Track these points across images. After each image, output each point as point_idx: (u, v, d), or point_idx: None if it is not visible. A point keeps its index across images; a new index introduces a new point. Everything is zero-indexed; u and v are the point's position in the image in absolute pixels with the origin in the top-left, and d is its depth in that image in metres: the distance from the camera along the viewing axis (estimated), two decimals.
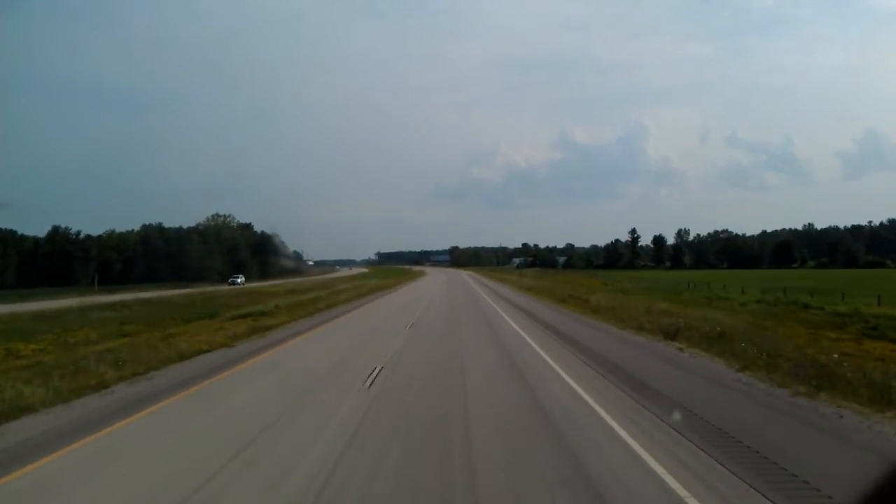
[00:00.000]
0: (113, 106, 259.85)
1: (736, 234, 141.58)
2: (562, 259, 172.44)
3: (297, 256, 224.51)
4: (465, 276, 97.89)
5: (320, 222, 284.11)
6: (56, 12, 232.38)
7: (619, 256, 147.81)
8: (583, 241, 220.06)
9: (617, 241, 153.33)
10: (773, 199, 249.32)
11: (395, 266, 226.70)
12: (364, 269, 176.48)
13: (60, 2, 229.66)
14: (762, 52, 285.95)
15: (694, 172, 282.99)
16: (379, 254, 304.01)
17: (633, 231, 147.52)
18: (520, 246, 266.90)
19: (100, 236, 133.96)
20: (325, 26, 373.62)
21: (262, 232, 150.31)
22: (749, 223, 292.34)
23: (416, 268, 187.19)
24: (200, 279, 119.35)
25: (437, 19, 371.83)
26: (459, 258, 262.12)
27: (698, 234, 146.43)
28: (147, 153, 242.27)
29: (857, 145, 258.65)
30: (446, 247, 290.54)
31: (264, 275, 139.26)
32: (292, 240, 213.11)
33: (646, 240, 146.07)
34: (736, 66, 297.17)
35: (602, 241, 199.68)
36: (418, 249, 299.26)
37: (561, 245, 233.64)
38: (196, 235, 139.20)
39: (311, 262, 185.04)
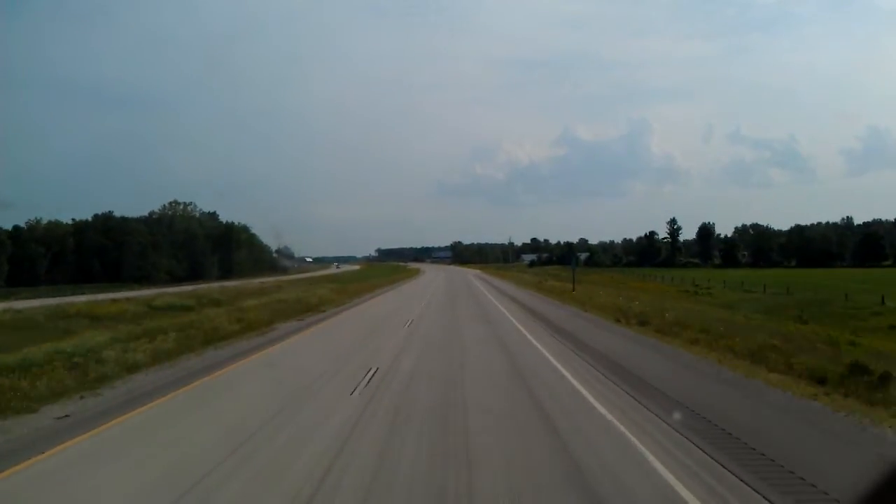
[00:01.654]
0: (112, 104, 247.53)
1: (801, 227, 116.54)
2: (582, 255, 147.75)
3: (285, 252, 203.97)
4: (471, 277, 73.56)
5: (322, 219, 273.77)
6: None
7: (655, 252, 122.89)
8: (592, 238, 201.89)
9: (652, 233, 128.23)
10: (777, 196, 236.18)
11: (394, 262, 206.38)
12: (356, 267, 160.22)
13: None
14: (766, 49, 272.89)
15: (699, 169, 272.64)
16: (379, 250, 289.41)
17: (673, 222, 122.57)
18: (528, 241, 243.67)
19: (29, 226, 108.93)
20: (326, 24, 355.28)
21: (227, 222, 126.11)
22: (757, 219, 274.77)
23: (414, 265, 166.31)
24: (140, 279, 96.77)
25: (440, 17, 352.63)
26: (462, 254, 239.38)
27: (763, 225, 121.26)
28: (146, 150, 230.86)
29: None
30: (448, 243, 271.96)
31: (227, 273, 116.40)
32: (293, 237, 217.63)
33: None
34: (739, 63, 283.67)
35: (615, 237, 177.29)
36: (419, 246, 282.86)
37: (573, 240, 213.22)
38: (143, 226, 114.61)
39: (309, 259, 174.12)
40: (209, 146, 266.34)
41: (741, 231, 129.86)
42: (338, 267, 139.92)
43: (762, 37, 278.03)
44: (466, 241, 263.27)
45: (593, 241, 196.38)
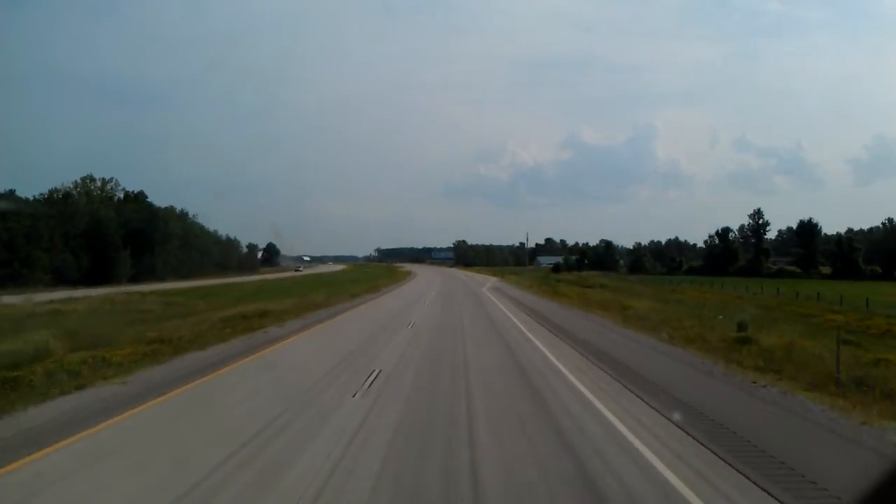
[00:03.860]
0: (117, 100, 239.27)
1: None
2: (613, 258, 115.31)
3: (271, 249, 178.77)
4: (487, 293, 40.75)
5: (323, 218, 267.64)
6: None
7: (730, 255, 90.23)
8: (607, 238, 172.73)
9: (726, 231, 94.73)
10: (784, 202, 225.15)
11: (385, 264, 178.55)
12: (338, 268, 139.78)
13: None
14: (774, 55, 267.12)
15: (717, 171, 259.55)
16: (379, 250, 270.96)
17: (758, 214, 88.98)
18: (542, 242, 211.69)
19: None
20: (333, 21, 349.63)
21: (154, 207, 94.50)
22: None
23: (408, 267, 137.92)
24: (3, 280, 67.48)
25: (448, 16, 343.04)
26: (466, 255, 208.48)
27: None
28: (150, 148, 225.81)
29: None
30: (450, 244, 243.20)
31: (147, 274, 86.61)
32: (294, 235, 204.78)
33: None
34: (748, 69, 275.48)
35: (628, 240, 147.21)
36: (420, 246, 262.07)
37: (593, 242, 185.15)
38: (32, 209, 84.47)
39: (307, 258, 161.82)
40: (210, 143, 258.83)
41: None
42: (299, 269, 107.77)
43: (770, 42, 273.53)
44: (470, 242, 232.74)
45: (599, 240, 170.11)
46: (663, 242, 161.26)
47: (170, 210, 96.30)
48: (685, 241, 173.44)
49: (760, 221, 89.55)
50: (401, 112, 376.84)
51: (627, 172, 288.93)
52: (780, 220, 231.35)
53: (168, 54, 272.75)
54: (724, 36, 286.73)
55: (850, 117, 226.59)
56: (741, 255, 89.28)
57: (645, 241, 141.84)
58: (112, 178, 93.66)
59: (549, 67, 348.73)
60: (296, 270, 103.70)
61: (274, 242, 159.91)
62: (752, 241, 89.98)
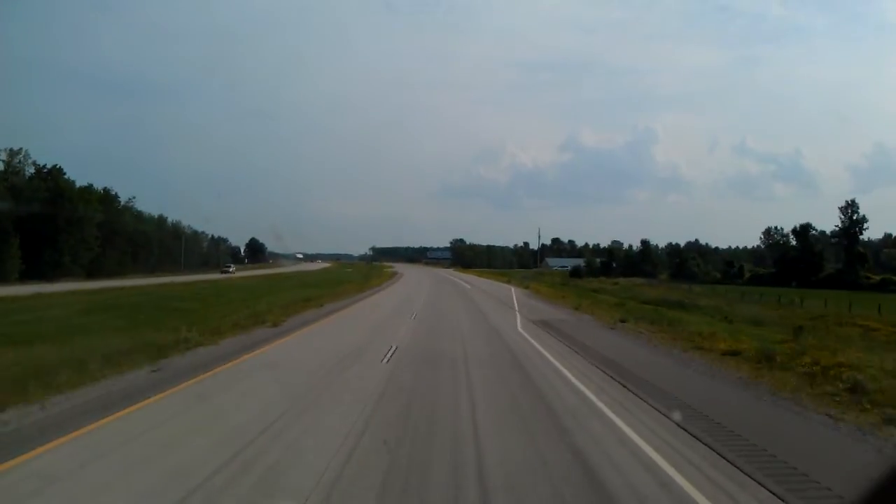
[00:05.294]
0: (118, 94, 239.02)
1: None
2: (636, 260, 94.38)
3: (255, 245, 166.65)
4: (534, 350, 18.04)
5: (320, 216, 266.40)
6: None
7: (812, 260, 69.23)
8: (603, 242, 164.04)
9: (805, 229, 72.37)
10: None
11: (382, 262, 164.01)
12: (317, 266, 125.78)
13: None
14: (775, 61, 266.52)
15: (716, 176, 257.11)
16: (374, 249, 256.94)
17: (851, 207, 66.25)
18: (549, 242, 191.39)
19: None
20: (333, 19, 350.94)
21: (62, 184, 73.16)
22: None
23: (398, 267, 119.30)
24: None
25: (449, 16, 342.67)
26: (464, 256, 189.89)
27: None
28: (150, 145, 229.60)
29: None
30: (447, 244, 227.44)
31: (49, 270, 67.21)
32: (291, 233, 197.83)
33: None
34: (749, 74, 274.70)
35: (638, 241, 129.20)
36: (417, 246, 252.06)
37: (593, 242, 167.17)
38: None
39: (300, 256, 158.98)
40: (207, 139, 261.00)
41: None
42: (227, 271, 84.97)
43: (771, 48, 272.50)
44: (468, 242, 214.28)
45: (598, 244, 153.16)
46: (682, 245, 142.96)
47: (86, 190, 74.58)
48: (706, 243, 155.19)
49: (855, 217, 67.65)
50: (400, 111, 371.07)
51: (628, 175, 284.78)
52: (783, 223, 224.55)
53: (167, 49, 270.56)
54: (725, 41, 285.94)
55: (850, 124, 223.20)
56: (826, 261, 68.34)
57: (658, 244, 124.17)
58: (21, 149, 71.49)
59: (550, 69, 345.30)
60: (222, 272, 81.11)
61: (257, 237, 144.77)
62: (844, 243, 68.35)
